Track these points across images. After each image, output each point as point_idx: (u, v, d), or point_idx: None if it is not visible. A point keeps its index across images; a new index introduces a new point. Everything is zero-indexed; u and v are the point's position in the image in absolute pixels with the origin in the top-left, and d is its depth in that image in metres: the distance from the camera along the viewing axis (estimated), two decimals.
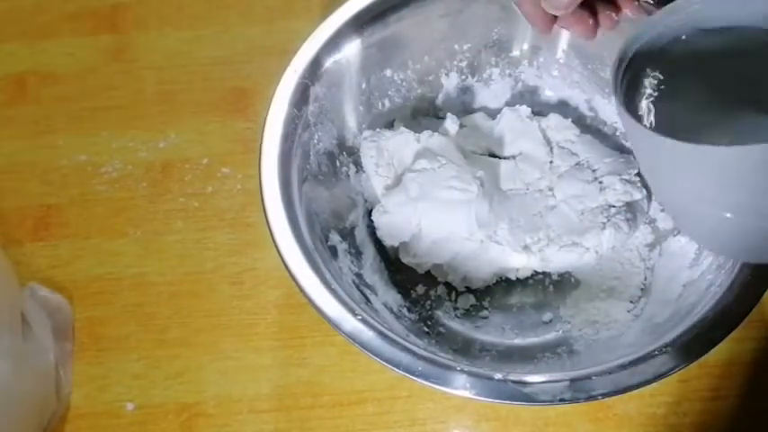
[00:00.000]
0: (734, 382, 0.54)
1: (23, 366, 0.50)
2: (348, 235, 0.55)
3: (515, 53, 0.60)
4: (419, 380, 0.44)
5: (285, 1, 0.68)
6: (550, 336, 0.54)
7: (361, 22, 0.55)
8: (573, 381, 0.44)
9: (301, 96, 0.52)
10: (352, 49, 0.55)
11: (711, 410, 0.53)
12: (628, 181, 0.56)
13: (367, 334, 0.45)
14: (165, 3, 0.69)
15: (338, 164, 0.56)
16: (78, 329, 0.56)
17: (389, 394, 0.54)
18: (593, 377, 0.44)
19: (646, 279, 0.55)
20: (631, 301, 0.54)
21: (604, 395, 0.43)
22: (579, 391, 0.43)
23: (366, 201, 0.57)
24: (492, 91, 0.62)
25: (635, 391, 0.44)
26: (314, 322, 0.56)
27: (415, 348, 0.45)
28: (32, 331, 0.52)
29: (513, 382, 0.44)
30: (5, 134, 0.64)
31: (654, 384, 0.44)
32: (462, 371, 0.44)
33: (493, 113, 0.61)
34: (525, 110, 0.60)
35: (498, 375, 0.44)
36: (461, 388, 0.44)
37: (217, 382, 0.55)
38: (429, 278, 0.56)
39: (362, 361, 0.54)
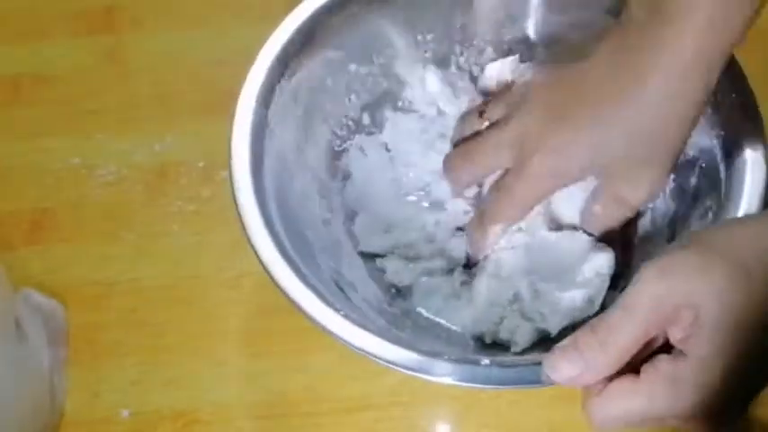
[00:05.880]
0: None
1: (17, 373, 0.50)
2: (323, 231, 0.54)
3: (480, 41, 0.59)
4: (404, 370, 0.43)
5: (283, 1, 0.68)
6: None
7: (323, 17, 0.54)
8: None
9: (268, 94, 0.52)
10: (316, 45, 0.54)
11: None
12: None
13: (350, 329, 0.44)
14: (160, 4, 0.69)
15: (309, 160, 0.55)
16: (72, 335, 0.56)
17: (389, 400, 0.53)
18: None
19: None
20: None
21: None
22: None
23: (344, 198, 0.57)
24: (458, 81, 0.60)
25: None
26: (312, 328, 0.55)
27: (399, 340, 0.44)
28: (26, 337, 0.52)
29: (499, 366, 0.43)
30: None
31: None
32: (448, 359, 0.43)
33: None
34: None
35: (486, 361, 0.43)
36: (446, 375, 0.43)
37: (213, 388, 0.54)
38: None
39: (362, 367, 0.54)
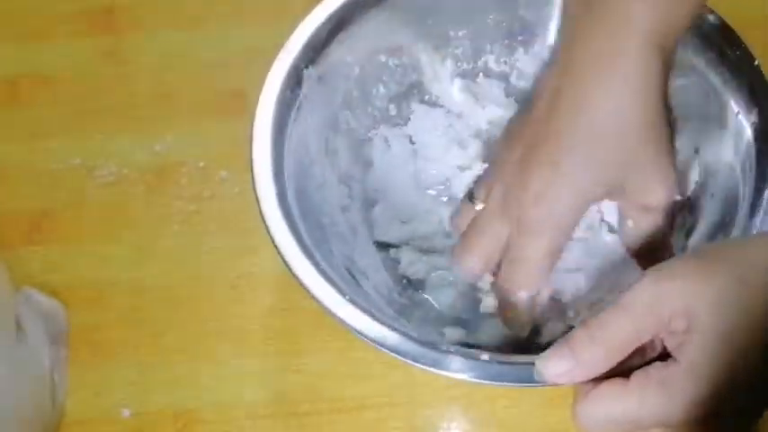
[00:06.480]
0: None
1: (18, 373, 0.50)
2: (339, 218, 0.54)
3: (511, 40, 0.59)
4: (414, 363, 0.43)
5: (283, 2, 0.68)
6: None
7: (356, 6, 0.54)
8: None
9: (295, 78, 0.52)
10: (346, 33, 0.54)
11: None
12: None
13: (362, 319, 0.44)
14: (160, 4, 0.69)
15: (332, 147, 0.55)
16: (72, 335, 0.56)
17: (388, 401, 0.53)
18: None
19: None
20: None
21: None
22: None
23: (364, 185, 0.57)
24: (487, 78, 0.60)
25: None
26: (312, 328, 0.55)
27: (408, 332, 0.44)
28: (27, 337, 0.52)
29: (507, 363, 0.43)
30: None
31: None
32: (457, 353, 0.43)
33: None
34: None
35: (488, 357, 0.43)
36: (456, 371, 0.43)
37: (214, 387, 0.54)
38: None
39: (361, 367, 0.54)
